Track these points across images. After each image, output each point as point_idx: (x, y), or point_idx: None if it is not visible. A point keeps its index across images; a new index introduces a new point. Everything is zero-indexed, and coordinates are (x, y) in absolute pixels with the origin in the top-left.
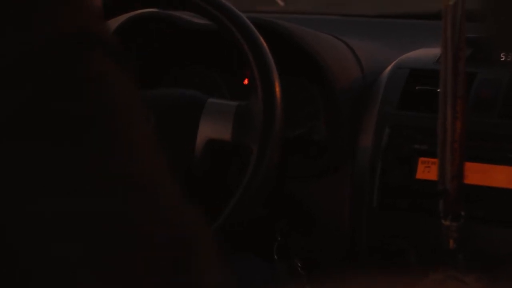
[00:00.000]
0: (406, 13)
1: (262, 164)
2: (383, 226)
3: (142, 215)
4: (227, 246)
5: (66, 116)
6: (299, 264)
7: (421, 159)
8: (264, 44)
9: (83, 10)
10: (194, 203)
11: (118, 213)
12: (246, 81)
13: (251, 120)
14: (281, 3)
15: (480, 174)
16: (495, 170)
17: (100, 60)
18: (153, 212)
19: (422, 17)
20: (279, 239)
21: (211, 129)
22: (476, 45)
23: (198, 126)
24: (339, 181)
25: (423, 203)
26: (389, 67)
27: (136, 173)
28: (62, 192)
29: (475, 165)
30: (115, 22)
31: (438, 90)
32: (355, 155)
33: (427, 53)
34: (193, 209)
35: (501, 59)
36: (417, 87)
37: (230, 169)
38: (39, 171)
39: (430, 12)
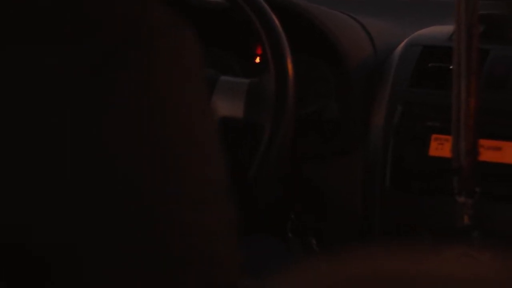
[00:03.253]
0: None
1: (275, 141)
2: (397, 206)
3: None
4: (241, 225)
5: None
6: (314, 242)
7: (434, 136)
8: (277, 21)
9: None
10: None
11: None
12: (258, 60)
13: (263, 97)
14: None
15: (494, 151)
16: (509, 146)
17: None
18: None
19: None
20: (292, 217)
21: (223, 107)
22: (489, 22)
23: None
24: (352, 162)
25: (437, 181)
26: (402, 45)
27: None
28: None
29: (488, 142)
30: None
31: (451, 67)
32: (368, 134)
33: (440, 30)
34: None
35: None
36: (429, 64)
37: (242, 146)
38: None
39: None
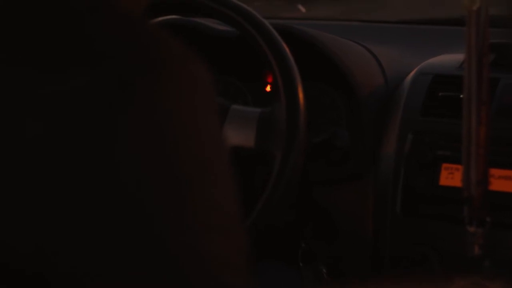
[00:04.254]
0: (429, 19)
1: (286, 169)
2: (407, 233)
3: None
4: (253, 252)
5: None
6: (324, 270)
7: (444, 165)
8: (287, 50)
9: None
10: None
11: None
12: (269, 88)
13: (274, 126)
14: (303, 10)
15: (505, 180)
16: None
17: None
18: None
19: (444, 23)
20: (303, 245)
21: (234, 136)
22: (499, 51)
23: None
24: (362, 188)
25: (447, 210)
26: (412, 73)
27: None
28: None
29: (499, 171)
30: None
31: (462, 96)
32: (378, 162)
33: (450, 59)
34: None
35: None
36: (440, 93)
37: (254, 176)
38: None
39: (453, 18)
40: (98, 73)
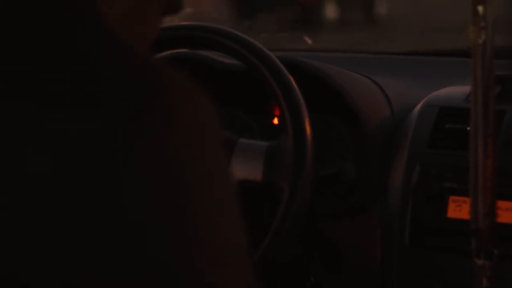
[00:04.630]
0: (435, 50)
1: (294, 203)
2: (414, 265)
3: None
4: (261, 285)
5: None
6: None
7: (452, 197)
8: (294, 83)
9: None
10: None
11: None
12: (276, 121)
13: (281, 159)
14: (309, 41)
15: None
16: None
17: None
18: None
19: (451, 54)
20: (312, 278)
21: (241, 170)
22: (505, 83)
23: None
24: (369, 220)
25: (455, 242)
26: (419, 106)
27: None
28: None
29: (507, 203)
30: None
31: (468, 129)
32: (386, 194)
33: (456, 91)
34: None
35: None
36: (446, 126)
37: (261, 209)
38: None
39: (459, 49)
40: (105, 110)
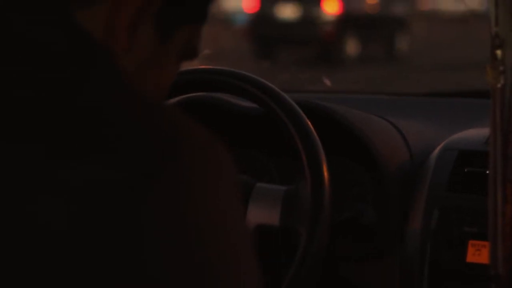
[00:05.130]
0: (454, 91)
1: (312, 247)
2: None
3: None
4: None
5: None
6: None
7: (471, 241)
8: (311, 127)
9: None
10: None
11: None
12: (293, 164)
13: (299, 204)
14: (328, 83)
15: None
16: None
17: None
18: None
19: (471, 95)
20: None
21: (259, 215)
22: None
23: (246, 212)
24: (388, 264)
25: (474, 287)
26: (438, 149)
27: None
28: None
29: None
30: None
31: (487, 172)
32: (404, 238)
33: (476, 133)
34: None
35: None
36: (466, 169)
37: (279, 254)
38: None
39: (478, 90)
40: (118, 161)
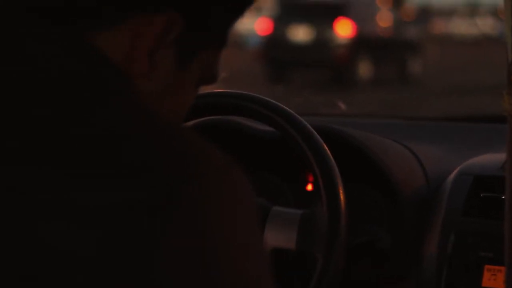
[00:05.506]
0: (469, 116)
1: (328, 271)
2: None
3: None
4: None
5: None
6: None
7: (487, 266)
8: (328, 151)
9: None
10: None
11: None
12: (310, 187)
13: (316, 228)
14: (343, 107)
15: None
16: None
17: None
18: None
19: (486, 119)
20: None
21: (275, 238)
22: None
23: (262, 235)
24: None
25: None
26: (453, 174)
27: None
28: None
29: None
30: None
31: (503, 197)
32: (420, 263)
33: (491, 159)
34: None
35: None
36: (481, 194)
37: (295, 277)
38: None
39: (494, 115)
40: (135, 184)
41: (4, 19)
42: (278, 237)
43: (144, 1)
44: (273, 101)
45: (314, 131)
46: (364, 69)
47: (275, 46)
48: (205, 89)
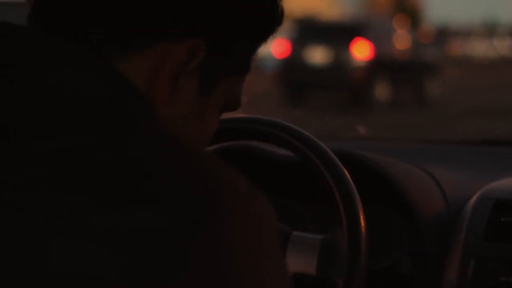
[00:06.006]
0: (489, 139)
1: None
2: None
3: None
4: None
5: None
6: None
7: None
8: (348, 176)
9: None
10: None
11: None
12: (329, 212)
13: (336, 253)
14: (362, 131)
15: None
16: None
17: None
18: None
19: (506, 143)
20: None
21: (296, 263)
22: None
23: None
24: None
25: None
26: (474, 198)
27: None
28: None
29: None
30: None
31: None
32: (441, 287)
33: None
34: None
35: None
36: (502, 219)
37: None
38: None
39: None
40: (159, 210)
41: (32, 42)
42: (298, 262)
43: (171, 28)
44: (292, 125)
45: (334, 156)
46: (382, 91)
47: (292, 68)
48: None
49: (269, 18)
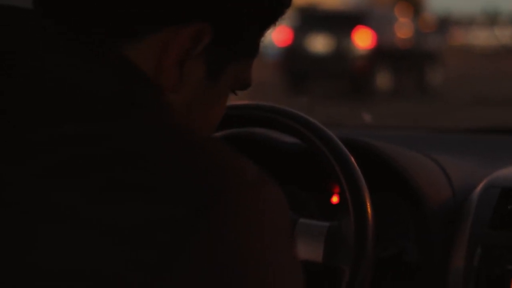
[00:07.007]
0: (495, 127)
1: (355, 285)
2: None
3: None
4: None
5: None
6: None
7: None
8: (355, 164)
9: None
10: None
11: None
12: (335, 199)
13: (343, 241)
14: (368, 118)
15: None
16: None
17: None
18: None
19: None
20: None
21: (302, 251)
22: None
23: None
24: None
25: None
26: (480, 186)
27: None
28: None
29: None
30: None
31: None
32: (447, 276)
33: None
34: None
35: None
36: (508, 207)
37: None
38: None
39: None
40: (166, 199)
41: (36, 31)
42: (305, 249)
43: (175, 14)
44: (299, 112)
45: (340, 143)
46: (383, 79)
47: (294, 56)
48: (229, 101)
49: (278, 1)
